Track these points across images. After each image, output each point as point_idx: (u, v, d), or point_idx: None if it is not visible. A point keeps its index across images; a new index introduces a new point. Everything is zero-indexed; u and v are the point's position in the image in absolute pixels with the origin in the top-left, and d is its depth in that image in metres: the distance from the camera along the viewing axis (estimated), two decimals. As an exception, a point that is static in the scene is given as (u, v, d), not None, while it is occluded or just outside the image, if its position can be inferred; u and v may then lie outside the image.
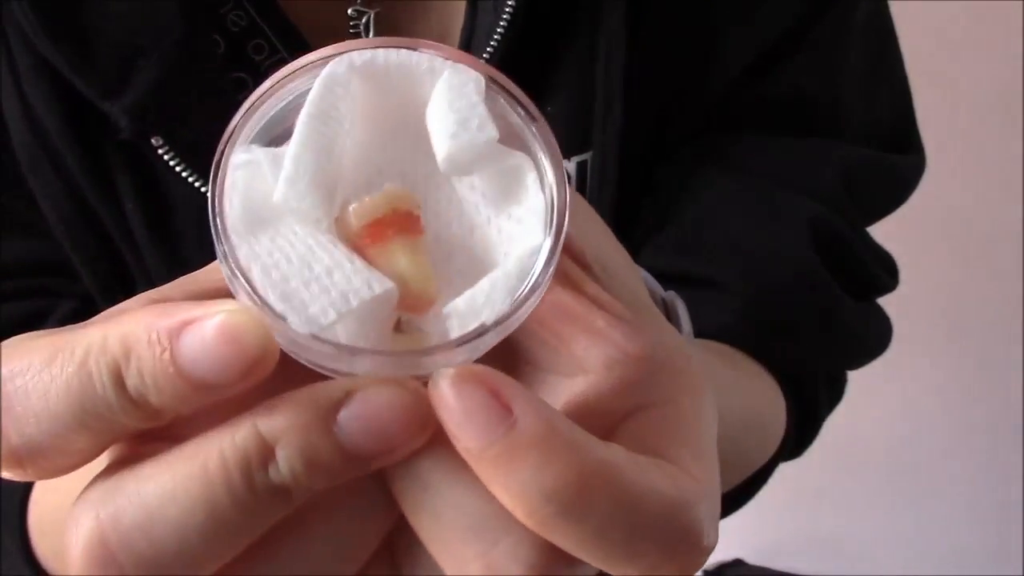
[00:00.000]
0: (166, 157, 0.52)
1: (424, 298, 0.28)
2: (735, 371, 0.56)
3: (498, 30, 0.54)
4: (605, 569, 0.28)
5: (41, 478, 0.28)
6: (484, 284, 0.28)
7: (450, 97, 0.29)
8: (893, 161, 0.64)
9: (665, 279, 0.57)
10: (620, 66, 0.56)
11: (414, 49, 0.29)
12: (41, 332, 0.28)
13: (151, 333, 0.26)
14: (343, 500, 0.28)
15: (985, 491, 1.55)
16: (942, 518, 1.56)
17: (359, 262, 0.27)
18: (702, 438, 0.30)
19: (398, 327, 0.28)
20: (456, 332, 0.27)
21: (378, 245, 0.28)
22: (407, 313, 0.28)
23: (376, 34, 0.56)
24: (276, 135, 0.29)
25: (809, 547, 1.53)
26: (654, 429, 0.29)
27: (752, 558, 1.51)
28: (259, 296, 0.26)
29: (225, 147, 0.28)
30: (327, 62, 0.29)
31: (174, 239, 0.54)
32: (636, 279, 0.34)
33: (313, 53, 0.29)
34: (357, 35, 0.56)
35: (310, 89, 0.29)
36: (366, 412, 0.26)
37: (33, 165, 0.53)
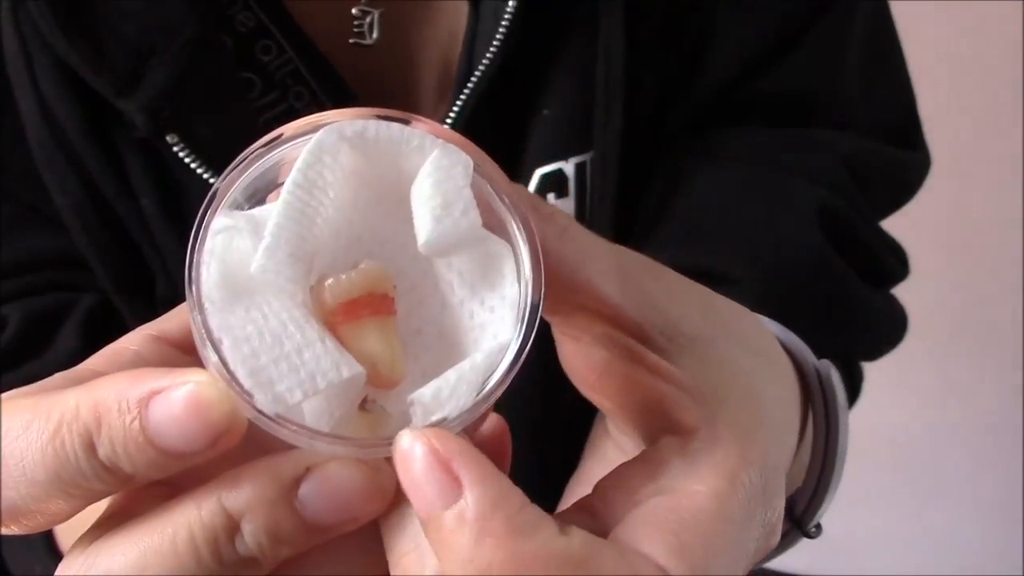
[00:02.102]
0: (181, 154, 0.52)
1: (391, 378, 0.29)
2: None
3: (498, 33, 0.54)
4: None
5: (32, 531, 0.29)
6: (451, 376, 0.28)
7: (437, 178, 0.29)
8: (897, 154, 0.64)
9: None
10: (620, 66, 0.56)
11: (406, 123, 0.29)
12: (24, 391, 0.29)
13: (121, 402, 0.26)
14: (339, 543, 0.28)
15: (985, 491, 1.55)
16: (942, 518, 1.56)
17: (330, 342, 0.27)
18: (705, 534, 0.29)
19: (363, 404, 0.29)
20: (419, 420, 0.28)
21: (350, 324, 0.28)
22: (373, 389, 0.29)
23: (380, 34, 0.56)
24: (260, 191, 0.29)
25: (808, 547, 1.52)
26: (659, 514, 0.29)
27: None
28: (228, 370, 0.27)
29: (207, 210, 0.28)
30: (317, 129, 0.29)
31: (190, 233, 0.54)
32: (718, 338, 0.33)
33: (304, 120, 0.29)
34: (361, 35, 0.56)
35: (298, 145, 0.29)
36: (326, 487, 0.27)
37: (49, 161, 0.53)
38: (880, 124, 0.64)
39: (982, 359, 1.51)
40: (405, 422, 0.28)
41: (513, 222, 0.29)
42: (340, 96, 0.57)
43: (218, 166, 0.53)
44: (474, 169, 0.29)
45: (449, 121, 0.55)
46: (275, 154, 0.29)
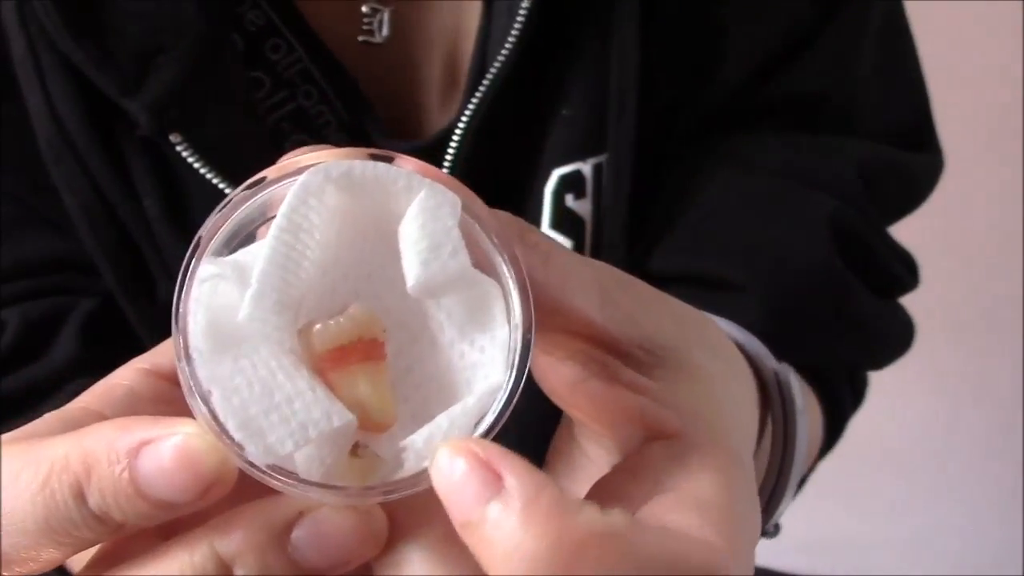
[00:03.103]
0: (184, 154, 0.52)
1: (381, 423, 0.28)
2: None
3: (512, 32, 0.54)
4: None
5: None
6: (442, 422, 0.28)
7: (424, 219, 0.28)
8: (909, 160, 0.64)
9: (681, 281, 0.57)
10: (634, 66, 0.56)
11: (391, 162, 0.29)
12: (15, 435, 0.28)
13: (110, 452, 0.26)
14: None
15: (985, 491, 1.55)
16: (942, 518, 1.56)
17: (320, 390, 0.27)
18: (724, 512, 0.29)
19: (354, 449, 0.29)
20: (411, 466, 0.28)
21: (340, 370, 0.28)
22: (364, 433, 0.28)
23: (390, 32, 0.56)
24: (245, 236, 0.29)
25: (809, 547, 1.53)
26: (675, 507, 0.29)
27: (767, 557, 1.52)
28: (218, 422, 0.26)
29: (192, 258, 0.28)
30: (301, 171, 0.28)
31: (192, 235, 0.54)
32: (696, 353, 0.34)
33: (288, 162, 0.29)
34: (371, 33, 0.56)
35: (283, 187, 0.28)
36: (318, 532, 0.27)
37: (57, 159, 0.53)
38: (893, 126, 0.64)
39: (982, 359, 1.51)
40: (396, 466, 0.28)
41: (502, 262, 0.29)
42: (349, 95, 0.57)
43: (224, 167, 0.53)
44: (462, 208, 0.29)
45: (464, 119, 0.55)
46: (259, 197, 0.29)
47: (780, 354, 0.57)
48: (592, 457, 0.35)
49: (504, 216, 0.31)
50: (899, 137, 0.63)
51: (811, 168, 0.60)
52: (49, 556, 0.28)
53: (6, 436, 0.28)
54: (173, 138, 0.52)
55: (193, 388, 0.27)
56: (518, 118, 0.56)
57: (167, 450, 0.26)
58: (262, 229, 0.29)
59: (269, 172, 0.29)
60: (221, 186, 0.53)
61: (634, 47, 0.56)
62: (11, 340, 0.55)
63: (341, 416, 0.27)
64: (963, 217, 1.38)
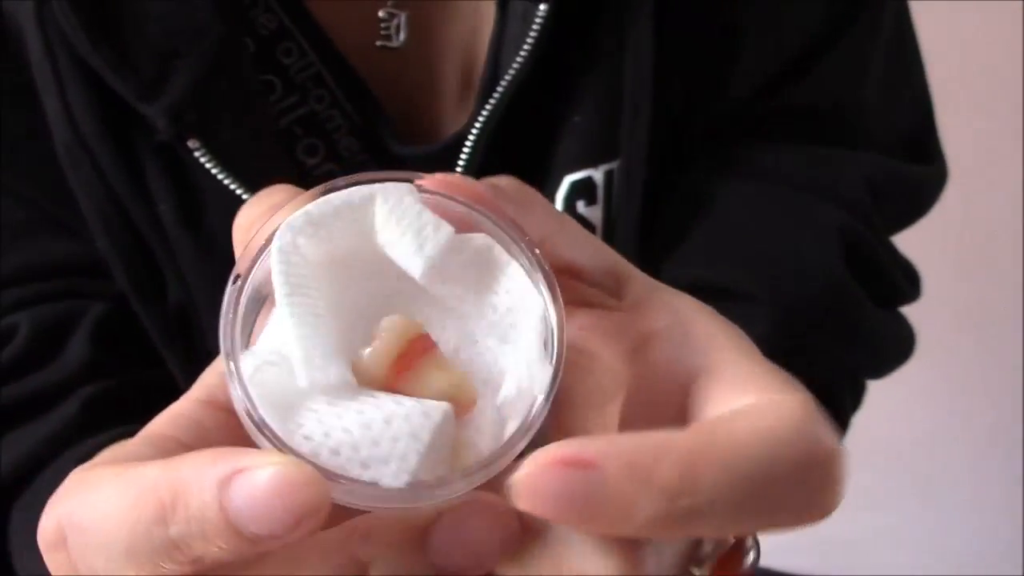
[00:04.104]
0: (202, 160, 0.52)
1: (469, 400, 0.29)
2: None
3: (529, 38, 0.54)
4: (761, 531, 0.28)
5: None
6: (518, 368, 0.29)
7: (393, 217, 0.29)
8: (916, 173, 0.64)
9: (693, 290, 0.58)
10: (648, 74, 0.56)
11: (337, 189, 0.30)
12: (106, 457, 0.28)
13: (202, 480, 0.25)
14: None
15: (985, 491, 1.55)
16: (942, 518, 1.56)
17: (405, 400, 0.28)
18: (765, 371, 0.30)
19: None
20: (517, 418, 0.28)
21: (408, 374, 0.28)
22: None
23: (407, 36, 0.56)
24: (254, 323, 0.30)
25: (809, 547, 1.53)
26: (723, 390, 0.30)
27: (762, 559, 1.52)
28: (341, 476, 0.26)
29: (230, 364, 0.28)
30: (270, 240, 0.29)
31: (207, 240, 0.54)
32: (643, 274, 0.35)
33: (259, 235, 0.29)
34: (388, 37, 0.56)
35: (265, 260, 0.29)
36: (457, 530, 0.27)
37: (74, 164, 0.53)
38: (900, 137, 0.64)
39: (982, 360, 1.51)
40: (492, 437, 0.28)
41: (482, 215, 0.30)
42: (361, 99, 0.57)
43: (238, 171, 0.53)
44: (417, 189, 0.30)
45: (477, 125, 0.55)
46: (249, 284, 0.29)
47: (787, 364, 0.57)
48: (591, 402, 0.34)
49: (482, 186, 0.31)
50: (905, 148, 0.64)
51: (822, 181, 0.60)
52: None
53: (98, 459, 0.28)
54: (191, 143, 0.52)
55: (299, 457, 0.26)
56: (531, 124, 0.56)
57: (263, 478, 0.25)
58: (264, 310, 0.30)
59: (241, 260, 0.29)
60: (236, 190, 0.53)
61: (648, 55, 0.56)
62: (22, 344, 0.55)
63: (437, 408, 0.27)
64: (965, 216, 1.38)
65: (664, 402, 0.31)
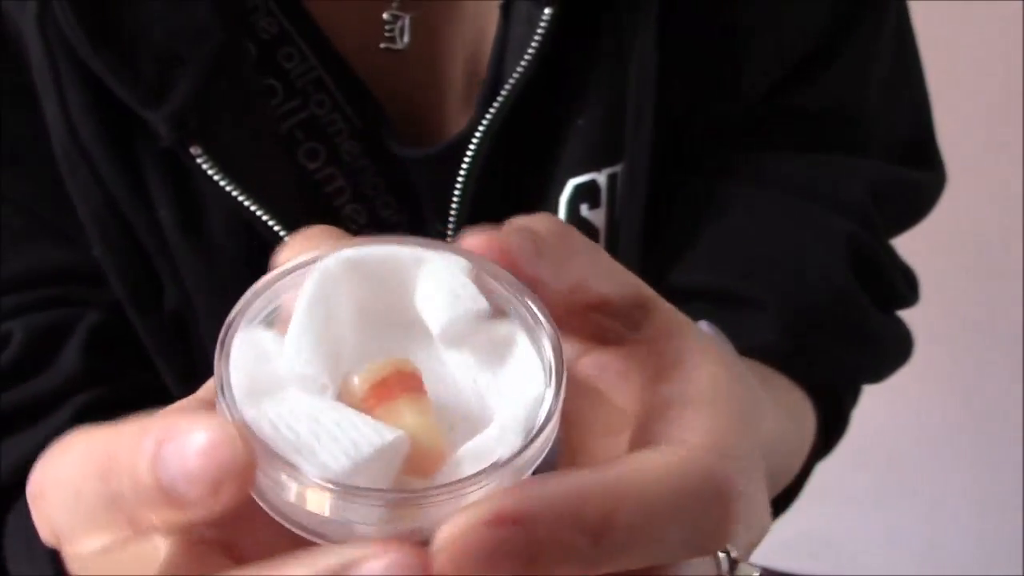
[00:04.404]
0: (205, 166, 0.52)
1: (432, 455, 0.28)
2: (771, 391, 0.56)
3: (534, 41, 0.54)
4: (672, 562, 0.29)
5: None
6: (492, 429, 0.28)
7: (438, 278, 0.29)
8: (917, 179, 0.64)
9: (701, 296, 0.58)
10: (652, 77, 0.56)
11: (403, 244, 0.30)
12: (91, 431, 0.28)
13: (141, 438, 0.26)
14: None
15: (985, 492, 1.55)
16: (942, 518, 1.57)
17: (367, 417, 0.27)
18: (712, 414, 0.30)
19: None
20: (468, 469, 0.27)
21: (384, 404, 0.28)
22: (412, 476, 0.28)
23: (411, 37, 0.56)
24: (270, 318, 0.30)
25: (809, 547, 1.53)
26: (668, 424, 0.30)
27: (752, 558, 1.52)
28: (268, 447, 0.26)
29: (228, 329, 0.29)
30: (316, 260, 0.30)
31: (208, 247, 0.54)
32: (665, 302, 0.34)
33: (309, 251, 0.30)
34: (392, 39, 0.56)
35: (301, 275, 0.30)
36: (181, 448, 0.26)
37: (72, 167, 0.53)
38: (900, 141, 0.64)
39: (982, 359, 1.52)
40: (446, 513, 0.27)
41: (517, 299, 0.30)
42: (362, 103, 0.57)
43: (240, 177, 0.53)
44: (477, 266, 0.30)
45: (481, 128, 0.55)
46: (283, 280, 0.30)
47: (794, 369, 0.58)
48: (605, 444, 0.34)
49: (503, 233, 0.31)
50: (905, 153, 0.64)
51: (826, 188, 0.61)
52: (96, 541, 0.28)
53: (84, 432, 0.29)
54: (193, 150, 0.52)
55: (241, 425, 0.27)
56: (534, 127, 0.56)
57: (193, 437, 0.25)
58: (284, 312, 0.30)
59: (293, 261, 0.30)
60: (238, 196, 0.53)
61: (652, 58, 0.56)
62: (16, 351, 0.54)
63: (392, 432, 0.27)
64: (965, 216, 1.38)
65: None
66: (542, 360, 0.29)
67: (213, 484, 0.25)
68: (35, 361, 0.55)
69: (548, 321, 0.29)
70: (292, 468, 0.26)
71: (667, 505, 0.27)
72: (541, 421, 0.28)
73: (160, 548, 0.29)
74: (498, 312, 0.30)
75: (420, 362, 0.30)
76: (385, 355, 0.29)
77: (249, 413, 0.27)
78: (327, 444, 0.27)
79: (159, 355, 0.57)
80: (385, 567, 0.25)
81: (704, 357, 0.32)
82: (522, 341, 0.30)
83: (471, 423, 0.29)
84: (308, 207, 0.56)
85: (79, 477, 0.27)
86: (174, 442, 0.25)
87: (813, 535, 1.48)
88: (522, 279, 0.30)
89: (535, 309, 0.30)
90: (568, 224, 0.32)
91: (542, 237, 0.31)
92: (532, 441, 0.27)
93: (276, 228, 0.53)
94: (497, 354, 0.30)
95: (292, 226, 0.53)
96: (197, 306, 0.55)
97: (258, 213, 0.53)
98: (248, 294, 0.30)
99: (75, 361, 0.55)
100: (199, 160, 0.52)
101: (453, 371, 0.30)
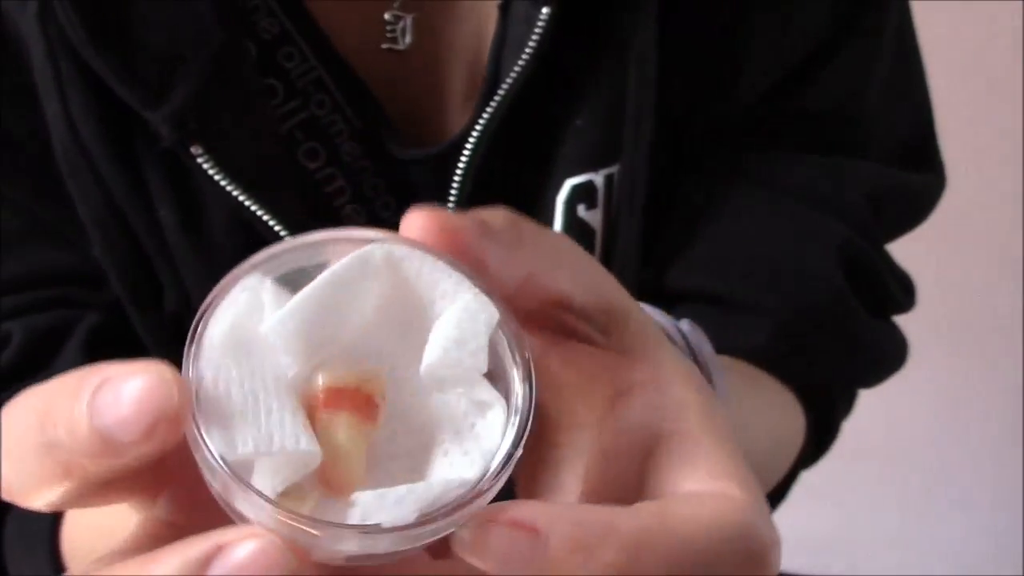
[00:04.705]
0: (205, 166, 0.52)
1: (343, 481, 0.28)
2: (759, 392, 0.57)
3: (531, 41, 0.54)
4: None
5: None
6: (401, 489, 0.27)
7: (461, 317, 0.29)
8: (916, 181, 0.64)
9: (695, 298, 0.58)
10: (652, 79, 0.56)
11: (455, 269, 0.29)
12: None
13: (79, 386, 0.26)
14: None
15: (985, 491, 1.55)
16: (942, 518, 1.57)
17: (300, 418, 0.27)
18: (723, 454, 0.30)
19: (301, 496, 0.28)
20: (353, 519, 0.27)
21: (327, 411, 0.28)
22: (320, 489, 0.28)
23: (413, 37, 0.56)
24: (290, 279, 0.30)
25: (809, 547, 1.53)
26: (676, 463, 0.30)
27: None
28: (198, 399, 0.27)
29: (240, 269, 0.29)
30: (367, 243, 0.29)
31: (208, 247, 0.54)
32: (641, 314, 0.34)
33: (359, 230, 0.30)
34: (394, 40, 0.56)
35: (340, 252, 0.29)
36: (235, 566, 0.26)
37: (73, 167, 0.53)
38: (900, 143, 0.64)
39: (982, 359, 1.52)
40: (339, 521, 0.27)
41: (517, 373, 0.29)
42: (362, 104, 0.57)
43: (241, 177, 0.53)
44: (498, 324, 0.29)
45: (478, 128, 0.55)
46: (316, 248, 0.29)
47: (785, 372, 0.58)
48: (565, 444, 0.34)
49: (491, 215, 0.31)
50: (905, 155, 0.64)
51: (823, 192, 0.61)
52: (48, 493, 0.28)
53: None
54: (194, 150, 0.52)
55: (191, 368, 0.27)
56: (532, 127, 0.56)
57: (128, 381, 0.26)
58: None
59: (335, 233, 0.30)
60: (238, 196, 0.53)
61: (651, 58, 0.56)
62: (15, 352, 0.55)
63: (309, 445, 0.27)
64: (964, 215, 1.38)
65: (627, 459, 0.31)
66: (499, 449, 0.29)
67: (146, 428, 0.25)
68: (34, 362, 0.55)
69: (524, 414, 0.29)
70: (202, 434, 0.26)
71: (703, 564, 0.27)
72: (442, 509, 0.27)
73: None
74: (491, 377, 0.29)
75: (396, 379, 0.29)
76: (371, 361, 0.29)
77: (203, 360, 0.27)
78: (246, 425, 0.27)
79: (159, 356, 0.56)
80: (250, 556, 0.25)
81: (682, 384, 0.31)
82: (494, 420, 0.29)
83: (404, 460, 0.29)
84: (308, 207, 0.56)
85: (21, 427, 0.27)
86: (109, 385, 0.26)
87: (819, 535, 1.48)
88: (466, 262, 0.30)
89: (523, 390, 0.29)
90: (522, 216, 0.32)
91: (488, 222, 0.31)
92: (420, 525, 0.27)
93: (277, 228, 0.53)
94: (465, 415, 0.29)
95: (292, 226, 0.53)
96: (197, 306, 0.55)
97: (259, 213, 0.53)
98: (285, 245, 0.29)
99: (74, 362, 0.55)
100: (200, 160, 0.52)
101: (419, 405, 0.30)
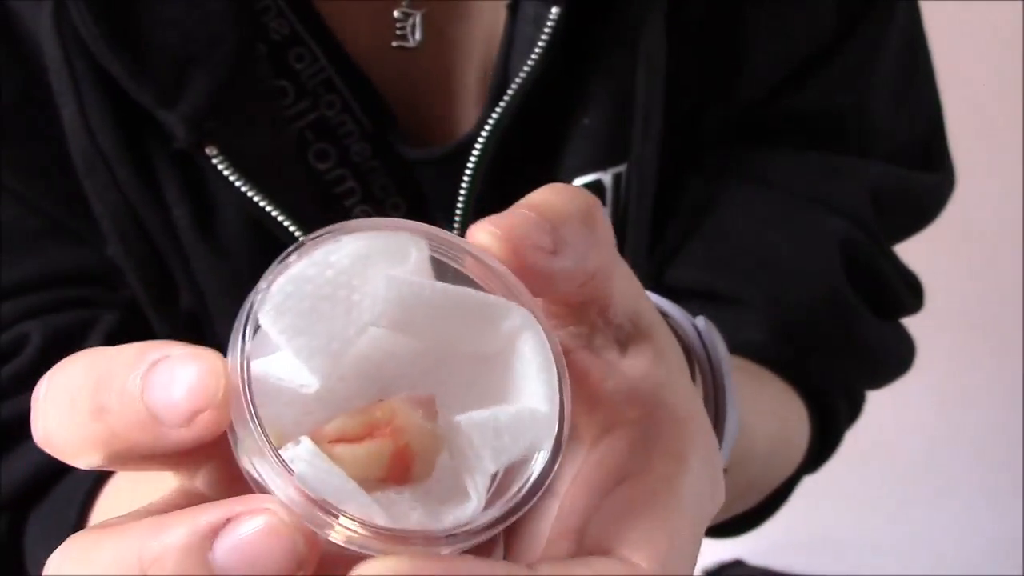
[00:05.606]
0: (220, 167, 0.52)
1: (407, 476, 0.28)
2: (763, 392, 0.57)
3: (540, 40, 0.54)
4: None
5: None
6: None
7: (540, 361, 0.29)
8: (923, 180, 0.64)
9: (694, 295, 0.58)
10: (660, 79, 0.56)
11: (512, 301, 0.29)
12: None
13: (136, 359, 0.27)
14: None
15: (985, 491, 1.55)
16: (942, 518, 1.57)
17: (314, 448, 0.27)
18: (665, 527, 0.30)
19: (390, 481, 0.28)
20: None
21: (354, 445, 0.27)
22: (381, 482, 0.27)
23: (422, 36, 0.56)
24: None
25: (809, 547, 1.54)
26: (619, 513, 0.30)
27: (752, 558, 1.52)
28: (249, 392, 0.26)
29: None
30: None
31: (222, 247, 0.55)
32: (666, 337, 0.34)
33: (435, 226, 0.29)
34: (404, 37, 0.56)
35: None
36: (238, 542, 0.25)
37: (89, 169, 0.53)
38: (907, 143, 0.64)
39: (982, 359, 1.52)
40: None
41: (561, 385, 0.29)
42: (372, 104, 0.57)
43: (254, 176, 0.53)
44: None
45: (487, 128, 0.55)
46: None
47: (785, 370, 0.58)
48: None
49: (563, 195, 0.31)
50: (912, 154, 0.64)
51: (826, 190, 0.61)
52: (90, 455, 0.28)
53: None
54: (208, 151, 0.52)
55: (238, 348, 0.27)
56: (540, 126, 0.56)
57: (181, 362, 0.26)
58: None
59: (377, 221, 0.29)
60: (252, 196, 0.53)
61: (659, 58, 0.56)
62: (35, 353, 0.55)
63: (324, 471, 0.26)
64: (966, 216, 1.39)
65: (598, 492, 0.31)
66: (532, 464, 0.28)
67: (189, 412, 0.26)
68: (53, 362, 0.54)
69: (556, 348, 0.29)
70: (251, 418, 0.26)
71: None
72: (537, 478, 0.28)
73: None
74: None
75: (442, 394, 0.29)
76: (407, 388, 0.29)
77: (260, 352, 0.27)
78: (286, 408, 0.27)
79: None
80: (257, 534, 0.25)
81: (673, 435, 0.31)
82: (544, 436, 0.29)
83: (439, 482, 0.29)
84: (320, 207, 0.56)
85: (76, 386, 0.28)
86: (166, 364, 0.26)
87: (819, 535, 1.48)
88: (529, 281, 0.29)
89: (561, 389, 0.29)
90: (595, 202, 0.31)
91: (561, 234, 0.30)
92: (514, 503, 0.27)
93: (290, 227, 0.54)
94: (511, 441, 0.29)
95: (306, 225, 0.54)
96: (211, 305, 0.55)
97: (272, 213, 0.53)
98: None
99: None
100: (214, 160, 0.52)
101: (463, 434, 0.29)
